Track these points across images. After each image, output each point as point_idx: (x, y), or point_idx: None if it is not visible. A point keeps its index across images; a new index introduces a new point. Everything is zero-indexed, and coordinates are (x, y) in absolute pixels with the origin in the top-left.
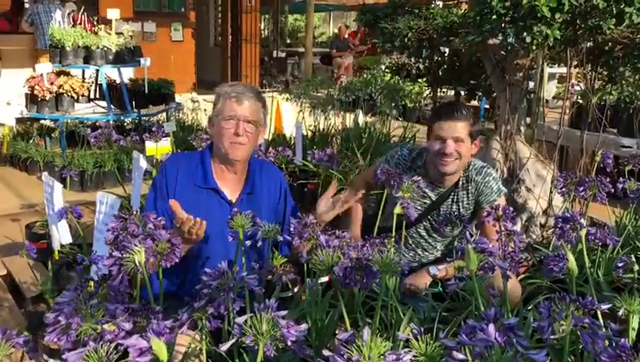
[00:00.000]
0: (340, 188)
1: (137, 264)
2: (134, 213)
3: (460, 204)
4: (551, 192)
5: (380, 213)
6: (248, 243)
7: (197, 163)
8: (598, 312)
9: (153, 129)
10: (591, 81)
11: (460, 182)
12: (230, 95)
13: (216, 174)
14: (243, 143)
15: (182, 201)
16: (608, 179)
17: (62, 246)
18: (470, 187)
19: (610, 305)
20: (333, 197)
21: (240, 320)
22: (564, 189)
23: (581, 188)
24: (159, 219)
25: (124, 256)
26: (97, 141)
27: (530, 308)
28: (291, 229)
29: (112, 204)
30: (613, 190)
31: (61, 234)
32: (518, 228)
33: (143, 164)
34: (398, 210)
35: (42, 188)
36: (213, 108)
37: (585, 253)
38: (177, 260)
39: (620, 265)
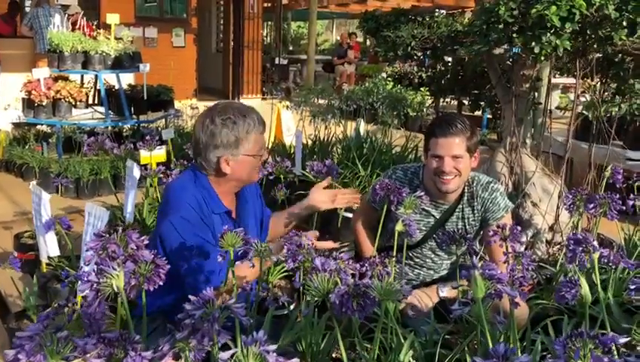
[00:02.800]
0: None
1: (116, 289)
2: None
3: (466, 220)
4: (558, 208)
5: (380, 230)
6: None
7: (202, 191)
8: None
9: (147, 137)
10: (600, 93)
11: (465, 198)
12: (259, 128)
13: (222, 197)
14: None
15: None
16: (618, 196)
17: (49, 258)
18: (476, 203)
19: (629, 339)
20: (328, 189)
21: (224, 356)
22: (572, 206)
23: (591, 206)
24: (142, 238)
25: (100, 280)
26: (90, 149)
27: (537, 330)
28: (285, 251)
29: (100, 216)
30: (624, 207)
31: (49, 246)
32: (522, 245)
33: (137, 173)
34: (399, 227)
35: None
36: (227, 146)
37: (597, 276)
38: (161, 282)
39: (633, 287)
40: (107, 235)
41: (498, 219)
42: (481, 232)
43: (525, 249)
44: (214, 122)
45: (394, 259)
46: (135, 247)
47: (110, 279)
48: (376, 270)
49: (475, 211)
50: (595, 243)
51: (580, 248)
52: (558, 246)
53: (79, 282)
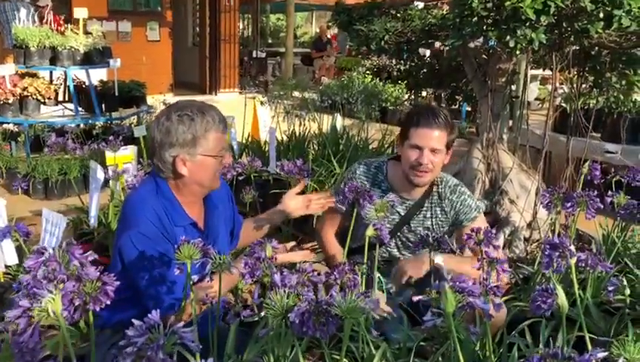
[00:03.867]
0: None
1: (52, 314)
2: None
3: (434, 220)
4: (535, 204)
5: (350, 233)
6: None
7: (164, 202)
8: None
9: (110, 138)
10: (576, 86)
11: (432, 198)
12: (218, 126)
13: (186, 207)
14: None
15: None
16: (596, 193)
17: (7, 267)
18: (444, 205)
19: (607, 354)
20: (301, 195)
21: None
22: (550, 205)
23: (569, 205)
24: (86, 254)
25: (33, 305)
26: (52, 150)
27: (513, 333)
28: (242, 264)
29: (57, 223)
30: (602, 206)
31: (6, 255)
32: (500, 242)
33: (101, 175)
34: (370, 232)
35: (6, 197)
36: (184, 145)
37: (574, 281)
38: (109, 301)
39: (611, 288)
40: (47, 252)
41: (472, 220)
42: (453, 234)
43: (503, 247)
44: (170, 119)
45: (364, 266)
46: (79, 264)
47: (46, 303)
48: (345, 278)
49: (444, 212)
50: (572, 247)
51: (557, 253)
52: (536, 243)
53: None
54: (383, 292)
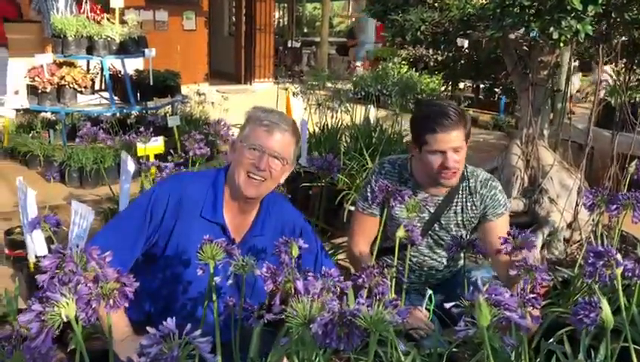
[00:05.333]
0: (345, 193)
1: (65, 318)
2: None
3: (466, 215)
4: (577, 204)
5: (380, 233)
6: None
7: (207, 188)
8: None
9: (141, 128)
10: (624, 79)
11: (462, 193)
12: (262, 122)
13: (226, 206)
14: (262, 179)
15: (174, 235)
16: None
17: (37, 257)
18: (475, 199)
19: None
20: None
21: None
22: (592, 207)
23: (613, 207)
24: (104, 256)
25: (46, 309)
26: (83, 140)
27: (551, 340)
28: (263, 270)
29: (85, 216)
30: None
31: (36, 245)
32: (538, 243)
33: (131, 166)
34: (401, 233)
35: (42, 184)
36: (240, 131)
37: (620, 291)
38: (127, 304)
39: None
40: (64, 252)
41: (498, 216)
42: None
43: (541, 248)
44: None
45: (393, 269)
46: (97, 266)
47: (58, 308)
48: (374, 281)
49: (475, 207)
50: (619, 256)
51: (601, 262)
52: (577, 245)
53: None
54: (430, 309)
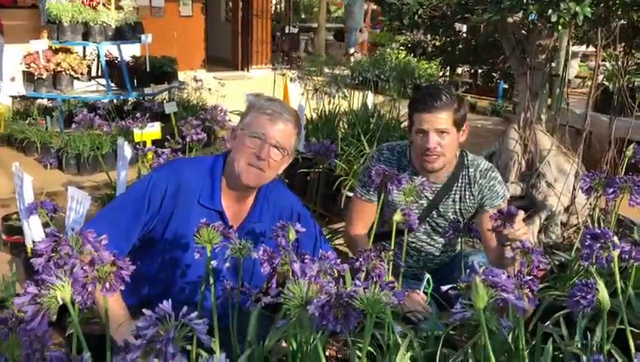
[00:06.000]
0: (343, 179)
1: (61, 301)
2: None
3: (463, 204)
4: (574, 188)
5: (377, 217)
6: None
7: (204, 175)
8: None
9: (137, 115)
10: (622, 64)
11: (461, 181)
12: (265, 111)
13: (224, 193)
14: (262, 169)
15: (173, 221)
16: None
17: (34, 243)
18: (473, 189)
19: None
20: None
21: None
22: (590, 191)
23: (610, 191)
24: (100, 238)
25: (41, 292)
26: (79, 126)
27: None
28: (260, 253)
29: (82, 201)
30: None
31: (33, 231)
32: (536, 227)
33: (128, 152)
34: (397, 217)
35: (39, 171)
36: (241, 119)
37: (617, 274)
38: (123, 287)
39: None
40: (60, 235)
41: (495, 207)
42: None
43: (538, 232)
44: None
45: (390, 252)
46: (92, 248)
47: (54, 290)
48: (372, 264)
49: (473, 197)
50: (616, 238)
51: (598, 244)
52: (574, 228)
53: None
54: (427, 293)
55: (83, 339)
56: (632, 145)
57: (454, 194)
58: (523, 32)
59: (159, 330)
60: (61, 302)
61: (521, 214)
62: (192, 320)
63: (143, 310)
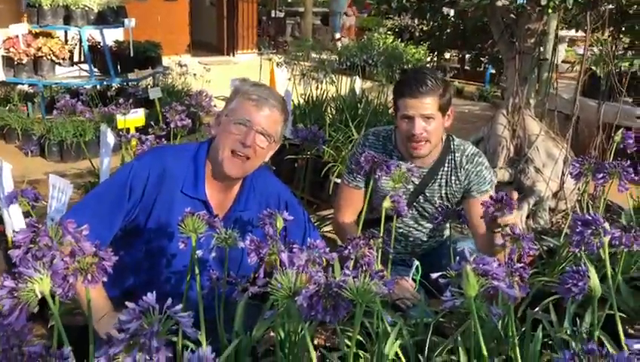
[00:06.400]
0: (332, 165)
1: (39, 294)
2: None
3: (449, 188)
4: (563, 174)
5: (366, 204)
6: (213, 254)
7: (187, 163)
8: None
9: (120, 100)
10: (611, 48)
11: (447, 166)
12: (250, 96)
13: (208, 182)
14: (247, 157)
15: (155, 210)
16: (629, 162)
17: (15, 232)
18: (460, 174)
19: None
20: None
21: None
22: (579, 176)
23: (600, 176)
24: (81, 229)
25: (19, 285)
26: (61, 112)
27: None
28: (247, 243)
29: (64, 190)
30: (636, 178)
31: (14, 220)
32: (524, 213)
33: (111, 139)
34: (387, 203)
35: (20, 158)
36: (225, 105)
37: (607, 260)
38: (105, 279)
39: None
40: (39, 226)
41: (482, 193)
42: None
43: (527, 218)
44: None
45: (379, 240)
46: (73, 239)
47: (32, 283)
48: (360, 252)
49: (459, 182)
50: (606, 224)
51: (589, 230)
52: (562, 214)
53: None
54: (416, 279)
55: (64, 334)
56: (620, 130)
57: (440, 179)
58: (512, 15)
59: (143, 324)
60: (40, 296)
61: (515, 195)
62: (176, 312)
63: (126, 303)
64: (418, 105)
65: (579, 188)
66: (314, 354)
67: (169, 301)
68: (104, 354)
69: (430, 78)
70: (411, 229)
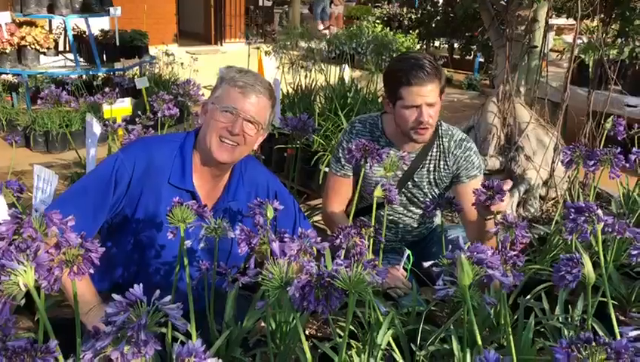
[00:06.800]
0: (322, 154)
1: (23, 287)
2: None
3: (437, 173)
4: (553, 162)
5: (357, 193)
6: (202, 245)
7: (174, 153)
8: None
9: (106, 90)
10: (602, 35)
11: (435, 150)
12: (236, 83)
13: (195, 172)
14: (236, 145)
15: (142, 202)
16: (619, 149)
17: None
18: (448, 159)
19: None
20: None
21: None
22: (570, 164)
23: (591, 163)
24: (67, 219)
25: (2, 278)
26: (45, 102)
27: (529, 297)
28: (237, 233)
29: (49, 180)
30: (627, 165)
31: None
32: (514, 201)
33: (97, 129)
34: (378, 192)
35: (5, 149)
36: (212, 92)
37: (600, 248)
38: (92, 271)
39: (635, 253)
40: (22, 217)
41: (471, 178)
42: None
43: (517, 206)
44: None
45: (371, 228)
46: (57, 230)
47: (16, 276)
48: (352, 241)
49: (447, 167)
50: (600, 211)
51: (582, 218)
52: (553, 202)
53: None
54: (407, 268)
55: (50, 328)
56: (611, 118)
57: (428, 164)
58: (502, 2)
59: (130, 316)
60: (24, 289)
61: (509, 185)
62: (165, 304)
63: (113, 295)
64: (424, 93)
65: (569, 176)
66: (306, 345)
67: (157, 292)
68: (91, 347)
69: (429, 63)
70: (401, 216)
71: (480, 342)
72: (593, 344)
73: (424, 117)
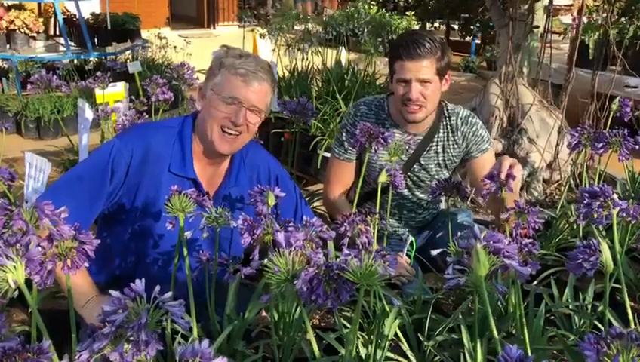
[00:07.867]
0: (320, 138)
1: (13, 284)
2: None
3: (447, 154)
4: (557, 144)
5: (362, 178)
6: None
7: (173, 140)
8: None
9: (98, 74)
10: (608, 15)
11: (443, 131)
12: (237, 71)
13: (195, 158)
14: (239, 134)
15: (141, 191)
16: (627, 131)
17: None
18: (457, 137)
19: None
20: None
21: None
22: (578, 146)
23: (599, 145)
24: (59, 211)
25: None
26: (36, 87)
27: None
28: (239, 223)
29: (41, 168)
30: (637, 146)
31: None
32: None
33: (89, 114)
34: (383, 178)
35: None
36: (207, 78)
37: (615, 234)
38: (87, 264)
39: None
40: (11, 208)
41: (483, 152)
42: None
43: (520, 189)
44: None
45: (376, 216)
46: (50, 222)
47: (5, 272)
48: (357, 229)
49: (457, 146)
50: (615, 196)
51: (597, 203)
52: (556, 185)
53: None
54: (411, 255)
55: (43, 328)
56: (617, 99)
57: (436, 146)
58: None
59: (130, 314)
60: (14, 286)
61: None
62: (166, 301)
63: (111, 291)
64: (415, 69)
65: (573, 159)
66: (312, 335)
67: (157, 288)
68: (87, 348)
69: (429, 41)
70: (405, 201)
71: (496, 335)
72: (626, 339)
73: (412, 93)
